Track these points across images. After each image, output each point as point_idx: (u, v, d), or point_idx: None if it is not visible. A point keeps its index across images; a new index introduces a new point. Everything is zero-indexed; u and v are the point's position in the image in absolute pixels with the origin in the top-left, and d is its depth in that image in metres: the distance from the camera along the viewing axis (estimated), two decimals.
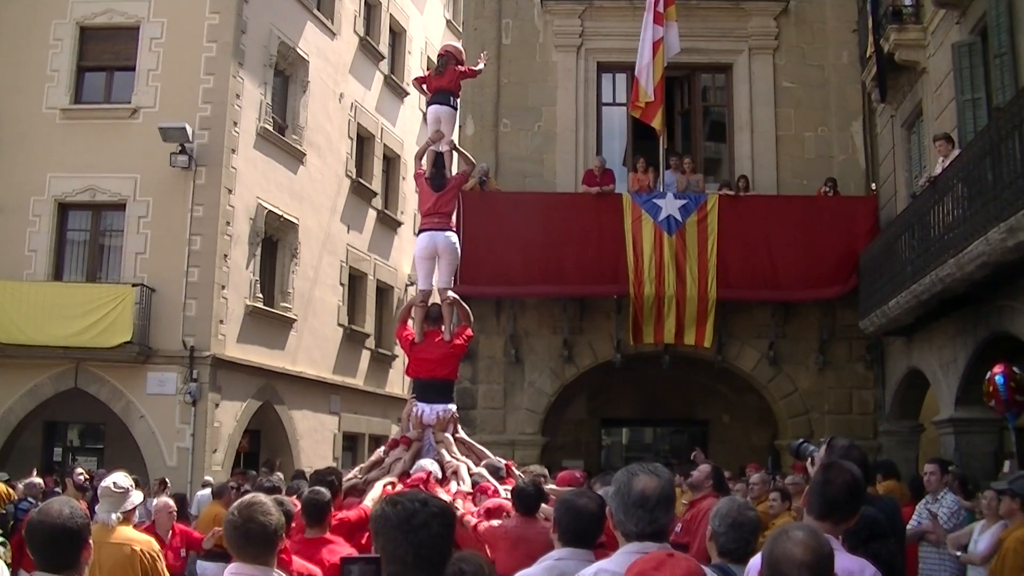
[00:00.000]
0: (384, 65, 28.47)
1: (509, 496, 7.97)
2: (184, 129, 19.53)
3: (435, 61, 11.67)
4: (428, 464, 9.45)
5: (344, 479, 9.21)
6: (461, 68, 11.29)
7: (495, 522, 7.59)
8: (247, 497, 4.20)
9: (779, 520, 9.43)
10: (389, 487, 8.66)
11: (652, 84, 16.84)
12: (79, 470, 11.32)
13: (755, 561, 4.23)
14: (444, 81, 11.15)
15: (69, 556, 3.61)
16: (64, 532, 3.59)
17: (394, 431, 12.44)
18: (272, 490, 9.24)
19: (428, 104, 11.62)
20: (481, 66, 11.77)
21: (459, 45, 12.63)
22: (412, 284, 22.82)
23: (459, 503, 8.35)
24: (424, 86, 11.61)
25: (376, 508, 3.09)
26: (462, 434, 10.76)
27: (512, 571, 7.14)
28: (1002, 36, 12.69)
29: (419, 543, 2.97)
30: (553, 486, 9.25)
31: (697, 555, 5.79)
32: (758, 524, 4.49)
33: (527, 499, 7.34)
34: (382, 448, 10.69)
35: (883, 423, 17.40)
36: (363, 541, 7.39)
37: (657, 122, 17.19)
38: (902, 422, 17.01)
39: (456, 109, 11.46)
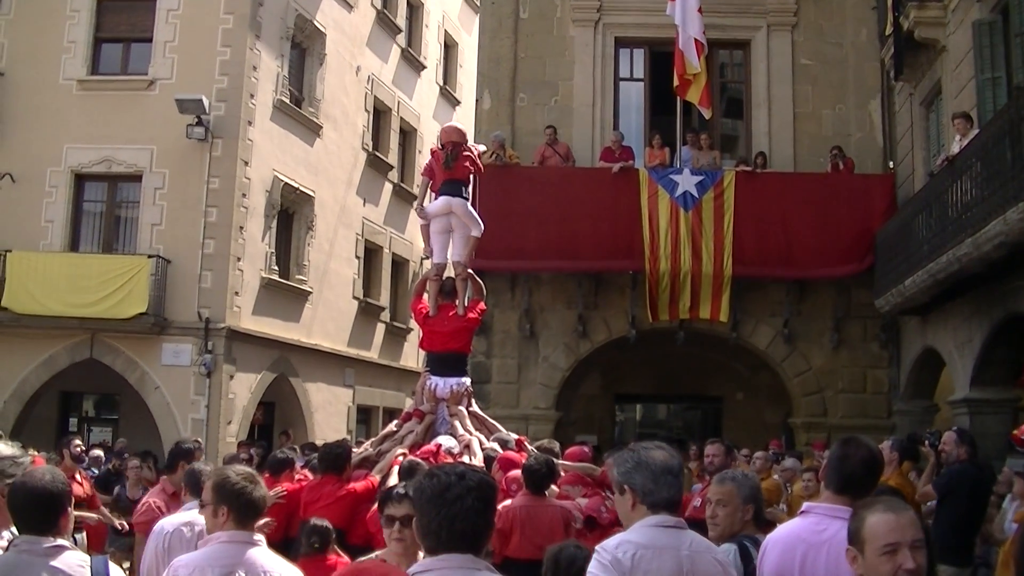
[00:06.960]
0: (401, 38, 28.36)
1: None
2: (201, 101, 19.51)
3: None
4: (446, 440, 9.48)
5: (356, 452, 9.27)
6: (469, 155, 10.83)
7: (507, 501, 7.58)
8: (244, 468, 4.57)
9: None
10: (400, 458, 8.70)
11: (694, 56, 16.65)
12: (76, 441, 11.38)
13: (771, 537, 4.25)
14: (456, 173, 10.73)
15: (49, 519, 3.92)
16: (45, 496, 3.90)
17: (408, 404, 12.45)
18: (285, 461, 9.30)
19: (438, 195, 10.90)
20: (483, 148, 11.65)
21: (459, 126, 11.68)
22: (427, 258, 22.83)
23: None
24: (430, 178, 11.08)
25: (415, 481, 3.07)
26: (475, 408, 10.79)
27: (524, 552, 7.17)
28: (1023, 15, 12.58)
29: (453, 516, 2.93)
30: (562, 461, 9.28)
31: None
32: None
33: (536, 477, 7.32)
34: (395, 421, 10.74)
35: (897, 403, 17.36)
36: (368, 516, 7.39)
37: (693, 95, 16.89)
38: (916, 402, 16.96)
39: (468, 200, 10.91)
